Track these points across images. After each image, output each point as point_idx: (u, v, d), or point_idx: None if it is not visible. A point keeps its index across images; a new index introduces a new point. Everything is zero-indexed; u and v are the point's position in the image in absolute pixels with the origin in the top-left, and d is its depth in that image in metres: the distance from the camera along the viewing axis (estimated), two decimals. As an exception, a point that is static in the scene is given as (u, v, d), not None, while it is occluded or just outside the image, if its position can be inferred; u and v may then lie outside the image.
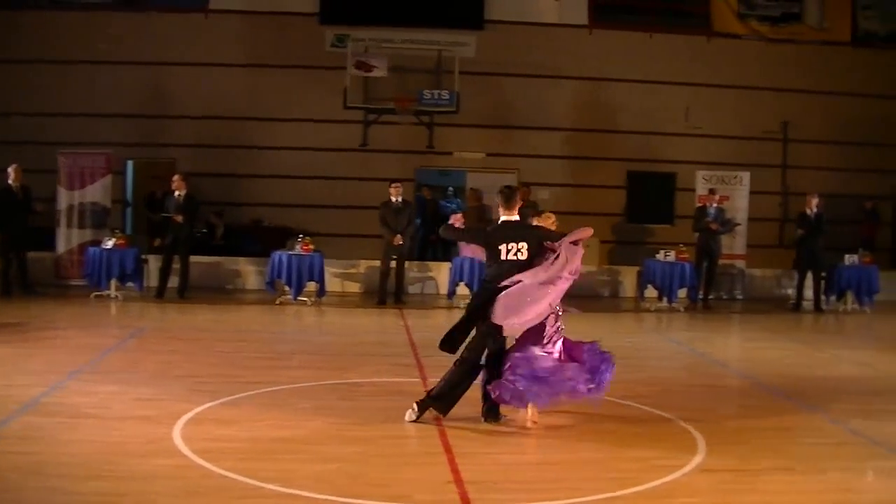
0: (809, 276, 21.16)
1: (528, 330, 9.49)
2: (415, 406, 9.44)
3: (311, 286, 19.47)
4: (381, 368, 12.54)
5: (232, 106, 24.21)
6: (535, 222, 9.98)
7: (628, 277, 22.37)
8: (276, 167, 24.34)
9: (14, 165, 19.18)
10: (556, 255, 9.37)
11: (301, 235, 19.76)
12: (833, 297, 21.40)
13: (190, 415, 9.39)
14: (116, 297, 18.89)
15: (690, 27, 25.81)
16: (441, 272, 21.30)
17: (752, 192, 23.54)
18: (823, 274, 21.21)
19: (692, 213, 22.26)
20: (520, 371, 9.27)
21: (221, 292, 20.81)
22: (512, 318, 9.33)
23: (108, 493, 7.09)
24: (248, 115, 24.31)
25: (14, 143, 22.61)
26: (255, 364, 12.50)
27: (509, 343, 9.62)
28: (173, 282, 19.35)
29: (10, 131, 23.19)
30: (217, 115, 24.09)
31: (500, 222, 9.55)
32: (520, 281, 9.28)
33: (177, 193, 19.28)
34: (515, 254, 9.35)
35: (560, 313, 9.64)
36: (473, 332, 9.56)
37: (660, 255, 20.63)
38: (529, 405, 9.39)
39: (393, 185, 19.94)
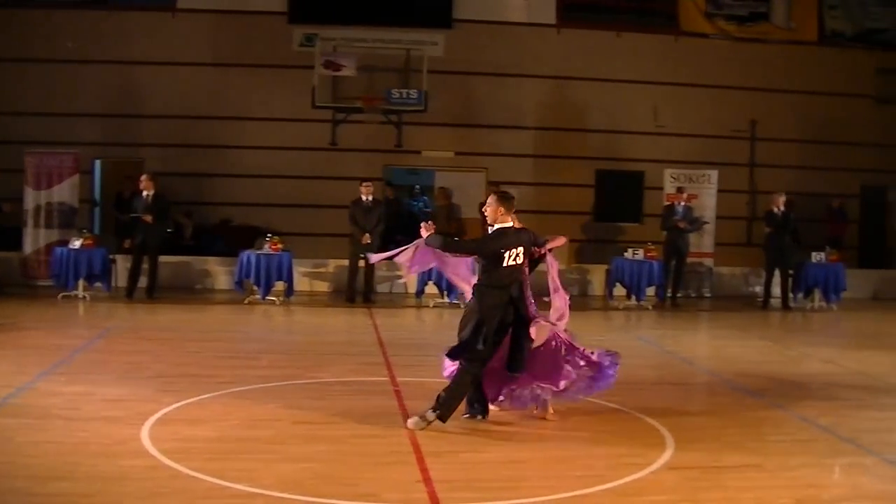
0: (777, 273, 21.29)
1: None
2: (428, 414, 9.36)
3: (280, 285, 19.45)
4: (350, 368, 12.53)
5: (200, 105, 24.10)
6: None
7: (597, 276, 22.44)
8: (245, 166, 24.26)
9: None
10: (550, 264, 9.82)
11: (269, 235, 19.76)
12: (800, 295, 21.53)
13: (158, 415, 9.36)
14: (84, 297, 18.82)
15: (658, 26, 25.87)
16: (410, 271, 21.27)
17: (720, 191, 23.69)
18: (791, 272, 21.35)
19: (660, 211, 22.38)
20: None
21: (190, 292, 20.77)
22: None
23: (74, 493, 7.06)
24: (217, 115, 24.20)
25: (-20, 142, 22.49)
26: (223, 364, 12.49)
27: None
28: (142, 282, 19.29)
29: (-24, 131, 23.04)
30: (185, 115, 23.96)
31: (500, 228, 9.50)
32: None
33: (145, 193, 19.22)
34: (514, 259, 9.42)
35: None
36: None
37: (628, 254, 20.71)
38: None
39: (364, 184, 20.01)
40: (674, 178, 23.25)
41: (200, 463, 7.79)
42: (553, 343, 9.72)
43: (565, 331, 9.78)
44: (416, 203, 26.06)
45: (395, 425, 9.34)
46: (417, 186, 27.14)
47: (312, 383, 11.41)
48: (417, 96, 23.32)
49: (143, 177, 19.54)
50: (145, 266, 19.27)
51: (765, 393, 11.65)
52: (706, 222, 22.91)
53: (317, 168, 24.23)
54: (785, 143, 25.99)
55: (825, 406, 10.95)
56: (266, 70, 24.22)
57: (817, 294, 21.53)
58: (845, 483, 8.12)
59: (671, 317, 19.88)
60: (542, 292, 9.78)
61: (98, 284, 19.27)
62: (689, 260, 22.07)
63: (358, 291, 19.82)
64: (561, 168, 24.99)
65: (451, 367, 9.73)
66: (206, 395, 10.35)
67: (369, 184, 20.15)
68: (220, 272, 21.46)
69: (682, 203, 21.61)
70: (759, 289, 22.28)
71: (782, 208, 21.13)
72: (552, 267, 9.88)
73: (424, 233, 9.55)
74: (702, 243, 23.11)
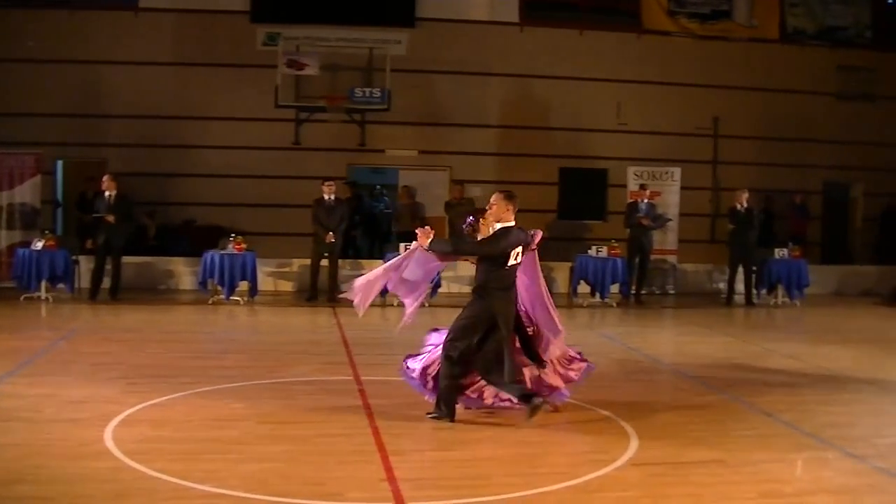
0: (741, 270, 21.41)
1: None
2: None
3: (244, 285, 19.40)
4: (314, 367, 12.54)
5: (163, 105, 23.99)
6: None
7: (561, 273, 22.45)
8: (208, 166, 24.16)
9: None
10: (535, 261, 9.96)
11: (233, 235, 19.70)
12: (764, 291, 21.67)
13: (122, 416, 9.32)
14: (47, 298, 18.69)
15: (621, 24, 25.95)
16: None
17: (683, 188, 23.82)
18: (754, 268, 21.47)
19: (624, 209, 22.44)
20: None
21: (154, 293, 20.68)
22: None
23: (37, 496, 7.02)
24: (180, 114, 24.10)
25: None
26: (187, 364, 12.44)
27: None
28: (106, 283, 19.19)
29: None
30: (148, 115, 23.84)
31: (505, 227, 9.55)
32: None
33: (107, 194, 19.11)
34: (516, 258, 9.52)
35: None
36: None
37: (592, 251, 20.78)
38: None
39: (325, 183, 20.02)
40: (637, 176, 23.34)
41: (165, 464, 7.76)
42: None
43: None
44: (377, 203, 26.01)
45: (360, 424, 9.35)
46: (378, 186, 27.11)
47: (277, 383, 11.39)
48: (381, 95, 23.35)
49: (105, 177, 19.43)
50: (108, 267, 19.17)
51: (728, 389, 11.72)
52: (669, 219, 23.01)
53: (280, 167, 24.17)
54: (748, 141, 26.16)
55: (788, 401, 11.04)
56: (229, 69, 24.15)
57: (780, 290, 21.67)
58: (808, 477, 8.16)
59: (635, 314, 19.96)
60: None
61: (61, 286, 19.14)
62: (653, 257, 22.17)
63: (322, 291, 19.81)
64: (524, 166, 25.00)
65: (416, 370, 9.78)
66: (170, 396, 10.31)
67: (331, 183, 20.16)
68: (183, 272, 21.38)
69: (646, 200, 21.71)
70: (722, 285, 22.39)
71: (745, 205, 21.25)
72: (536, 265, 9.99)
73: (424, 239, 9.51)
74: (665, 240, 23.21)
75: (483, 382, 9.69)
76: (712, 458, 8.55)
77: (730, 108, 25.98)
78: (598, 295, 20.57)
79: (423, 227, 9.77)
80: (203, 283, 19.36)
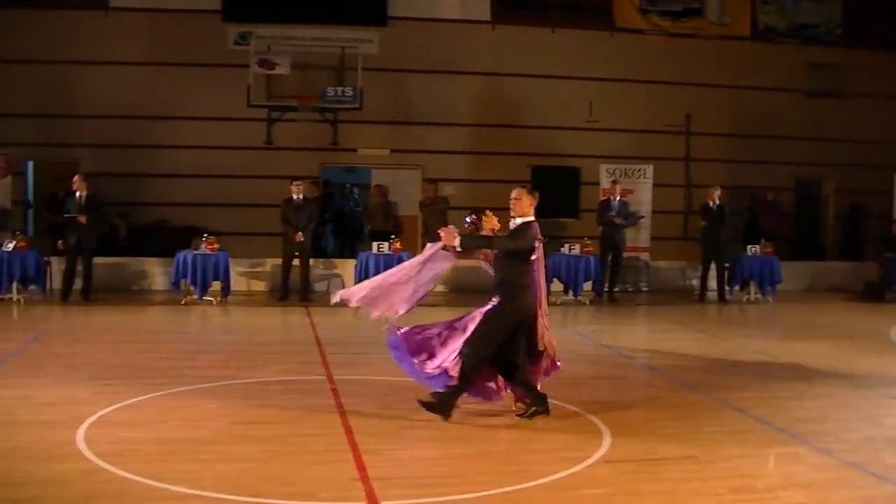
0: (713, 267, 21.47)
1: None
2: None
3: (217, 285, 19.36)
4: (287, 367, 12.51)
5: (134, 105, 23.90)
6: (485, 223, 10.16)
7: (534, 271, 22.45)
8: (181, 166, 24.11)
9: None
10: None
11: (206, 235, 19.64)
12: (736, 288, 21.74)
13: (94, 417, 9.29)
14: (18, 300, 18.60)
15: (593, 22, 26.04)
16: (347, 269, 21.23)
17: (655, 185, 23.86)
18: (727, 265, 21.54)
19: (597, 206, 22.48)
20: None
21: (127, 293, 20.60)
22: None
23: (8, 499, 6.99)
24: (151, 114, 24.03)
25: None
26: (160, 365, 12.40)
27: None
28: (78, 284, 19.11)
29: None
30: (119, 115, 23.76)
31: (527, 222, 9.71)
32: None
33: (78, 194, 19.01)
34: (537, 252, 9.65)
35: None
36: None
37: (565, 249, 20.81)
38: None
39: (293, 182, 20.03)
40: (609, 174, 23.34)
41: (137, 465, 7.74)
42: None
43: None
44: (348, 202, 25.98)
45: (333, 424, 9.35)
46: (347, 184, 27.09)
47: (250, 383, 11.37)
48: (353, 94, 23.35)
49: (76, 177, 19.32)
50: (80, 268, 19.08)
51: (701, 385, 11.77)
52: (642, 217, 23.06)
53: (252, 167, 24.14)
54: (719, 138, 26.29)
55: (760, 397, 11.09)
56: (200, 69, 24.09)
57: (753, 286, 21.74)
58: (779, 472, 8.21)
59: (608, 311, 20.00)
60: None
61: (32, 287, 19.04)
62: (626, 254, 22.18)
63: (294, 290, 19.80)
64: (496, 164, 25.02)
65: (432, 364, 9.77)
66: (143, 397, 10.28)
67: (299, 182, 20.19)
68: (156, 273, 21.29)
69: (618, 198, 21.73)
70: (695, 282, 22.44)
71: (717, 201, 21.32)
72: (542, 255, 10.06)
73: (450, 237, 9.55)
74: (638, 237, 23.24)
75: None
76: (685, 454, 8.58)
77: (702, 106, 26.09)
78: (571, 293, 20.61)
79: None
80: (176, 284, 19.28)
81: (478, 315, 9.65)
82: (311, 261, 20.55)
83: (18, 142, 22.77)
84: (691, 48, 26.29)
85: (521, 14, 25.68)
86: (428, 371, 9.72)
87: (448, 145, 25.18)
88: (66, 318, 17.53)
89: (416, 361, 9.71)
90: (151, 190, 24.22)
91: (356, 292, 10.16)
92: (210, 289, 19.21)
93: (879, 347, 15.27)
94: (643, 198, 23.55)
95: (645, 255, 23.54)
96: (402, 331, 9.78)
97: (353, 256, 20.67)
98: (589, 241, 21.09)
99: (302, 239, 19.61)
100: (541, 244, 9.87)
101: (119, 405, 9.87)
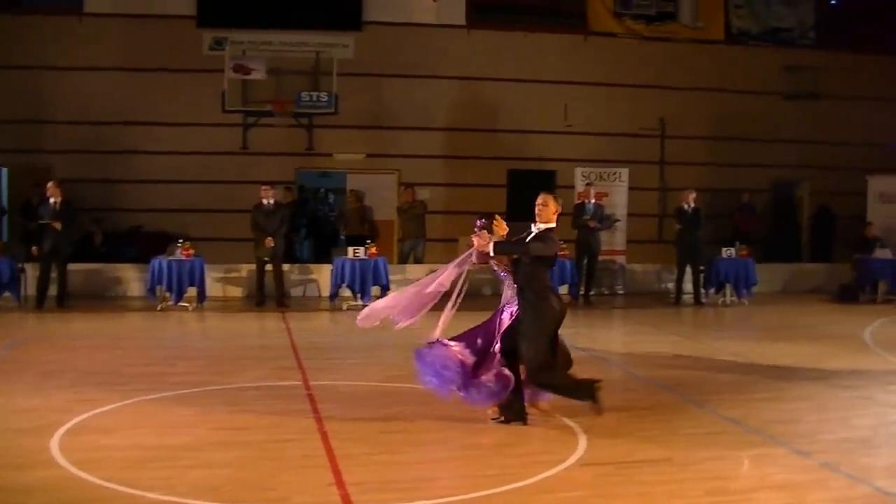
0: (688, 269, 21.53)
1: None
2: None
3: (193, 291, 19.31)
4: (264, 373, 12.47)
5: (109, 110, 23.85)
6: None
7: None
8: (156, 172, 24.06)
9: None
10: None
11: (181, 240, 19.59)
12: (712, 290, 21.78)
13: (69, 425, 9.25)
14: (-7, 307, 18.57)
15: (567, 26, 26.15)
16: (322, 274, 21.22)
17: (630, 189, 23.92)
18: (702, 267, 21.60)
19: (572, 210, 22.51)
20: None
21: (102, 300, 20.49)
22: None
23: (-20, 507, 6.99)
24: (126, 120, 23.98)
25: None
26: (136, 371, 12.36)
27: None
28: (52, 291, 19.03)
29: None
30: (94, 120, 23.72)
31: (550, 228, 10.01)
32: None
33: (52, 200, 18.93)
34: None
35: None
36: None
37: (540, 253, 20.77)
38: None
39: (263, 187, 20.01)
40: (585, 177, 23.38)
41: (113, 472, 7.71)
42: None
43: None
44: (322, 207, 25.96)
45: (310, 429, 9.34)
46: (322, 189, 27.08)
47: (226, 389, 11.33)
48: (328, 99, 23.40)
49: (50, 183, 19.22)
50: (55, 274, 19.01)
51: (677, 388, 11.80)
52: (618, 220, 23.11)
53: (228, 172, 24.13)
54: (694, 141, 26.41)
55: (736, 399, 11.12)
56: (175, 74, 24.06)
57: (728, 289, 21.80)
58: (754, 474, 8.24)
59: (584, 315, 19.99)
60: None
61: (7, 294, 18.97)
62: (602, 257, 22.18)
63: (269, 295, 19.78)
64: (472, 168, 25.08)
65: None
66: (119, 404, 10.24)
67: (268, 187, 20.14)
68: (132, 279, 21.19)
69: (593, 201, 21.75)
70: (671, 285, 22.46)
71: (692, 204, 21.37)
72: None
73: (483, 241, 9.79)
74: (614, 241, 23.28)
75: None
76: (661, 456, 8.60)
77: (676, 109, 26.21)
78: (547, 296, 20.59)
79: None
80: (151, 290, 19.21)
81: (495, 328, 9.76)
82: (287, 266, 20.57)
83: (-8, 148, 22.70)
84: (665, 52, 26.41)
85: (495, 18, 25.76)
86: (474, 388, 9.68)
87: (424, 149, 25.20)
88: (41, 324, 17.45)
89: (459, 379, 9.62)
90: (126, 196, 24.15)
91: (379, 311, 10.05)
92: (186, 294, 19.16)
93: (854, 349, 15.31)
94: (618, 201, 23.61)
95: (620, 259, 23.58)
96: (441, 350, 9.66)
97: (328, 261, 20.63)
98: (564, 245, 21.08)
99: (272, 244, 19.56)
100: None
101: (95, 412, 9.83)
